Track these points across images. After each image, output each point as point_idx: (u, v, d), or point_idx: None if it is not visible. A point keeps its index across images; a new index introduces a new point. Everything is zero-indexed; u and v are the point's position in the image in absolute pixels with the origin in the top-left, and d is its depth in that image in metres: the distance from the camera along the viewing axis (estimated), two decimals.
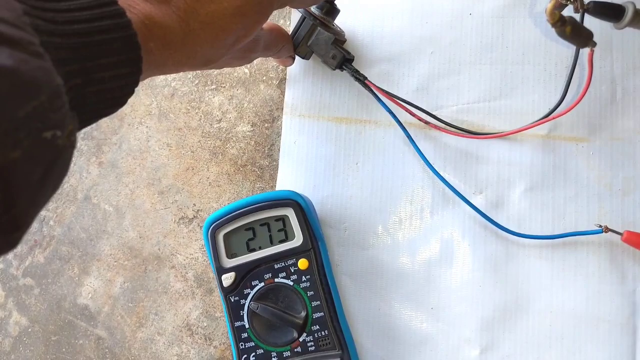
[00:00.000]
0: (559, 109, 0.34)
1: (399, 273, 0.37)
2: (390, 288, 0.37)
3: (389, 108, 0.37)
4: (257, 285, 0.35)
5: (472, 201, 0.36)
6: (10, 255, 0.45)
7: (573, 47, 0.35)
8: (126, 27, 0.20)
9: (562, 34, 0.27)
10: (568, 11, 0.31)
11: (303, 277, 0.34)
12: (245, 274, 0.35)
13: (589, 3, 0.31)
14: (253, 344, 0.35)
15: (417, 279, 0.36)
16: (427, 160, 0.37)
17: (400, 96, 0.37)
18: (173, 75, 0.44)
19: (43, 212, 0.45)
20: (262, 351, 0.34)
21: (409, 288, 0.36)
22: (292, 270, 0.35)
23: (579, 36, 0.28)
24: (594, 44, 0.29)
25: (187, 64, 0.25)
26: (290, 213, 0.35)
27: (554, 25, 0.26)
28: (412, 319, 0.36)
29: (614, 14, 0.31)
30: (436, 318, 0.36)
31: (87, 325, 0.43)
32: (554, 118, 0.34)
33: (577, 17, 0.32)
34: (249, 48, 0.30)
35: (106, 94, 0.20)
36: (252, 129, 0.42)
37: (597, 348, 0.33)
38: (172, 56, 0.23)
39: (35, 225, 0.45)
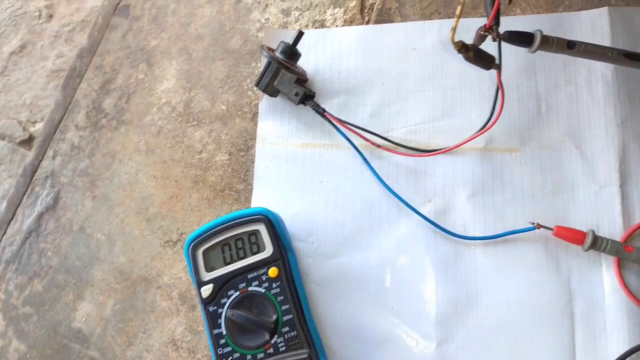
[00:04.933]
0: (489, 123, 0.39)
1: (362, 278, 0.40)
2: (355, 292, 0.40)
3: (345, 135, 0.42)
4: (232, 294, 0.38)
5: (422, 210, 0.40)
6: (11, 286, 0.49)
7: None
8: None
9: (467, 59, 0.32)
10: (488, 41, 0.36)
11: (273, 284, 0.38)
12: (222, 285, 0.39)
13: (503, 33, 0.37)
14: (230, 348, 0.38)
15: (379, 282, 0.40)
16: (381, 178, 0.41)
17: (355, 123, 0.42)
18: (159, 115, 0.50)
19: (42, 245, 0.49)
20: (238, 355, 0.37)
21: (371, 291, 0.40)
22: (264, 279, 0.38)
23: (482, 60, 0.33)
24: (498, 67, 0.35)
25: None
26: (261, 227, 0.39)
27: (459, 51, 0.32)
28: (375, 319, 0.39)
29: (525, 40, 0.37)
30: (397, 317, 0.39)
31: (81, 348, 0.46)
32: (483, 132, 0.39)
33: (495, 45, 0.37)
34: None
35: None
36: (229, 157, 0.47)
37: (541, 333, 0.36)
38: None
39: (34, 257, 0.49)
